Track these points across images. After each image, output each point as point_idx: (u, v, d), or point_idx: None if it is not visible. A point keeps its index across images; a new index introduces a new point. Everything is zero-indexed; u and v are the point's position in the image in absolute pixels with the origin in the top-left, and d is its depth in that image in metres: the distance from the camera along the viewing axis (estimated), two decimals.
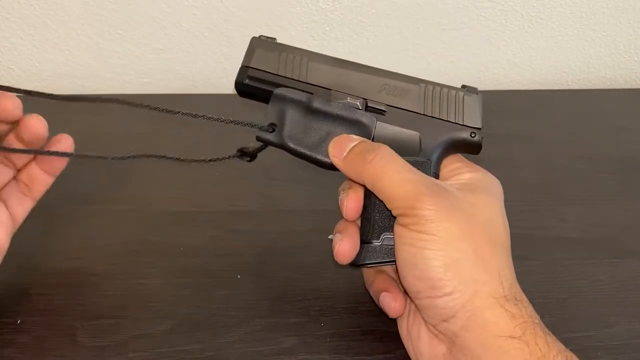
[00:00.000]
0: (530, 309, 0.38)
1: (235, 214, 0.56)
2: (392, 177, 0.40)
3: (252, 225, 0.55)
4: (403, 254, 0.39)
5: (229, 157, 0.46)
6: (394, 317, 0.44)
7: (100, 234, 0.53)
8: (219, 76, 0.76)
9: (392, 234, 0.42)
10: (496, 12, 0.76)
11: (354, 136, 0.44)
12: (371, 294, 0.46)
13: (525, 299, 0.39)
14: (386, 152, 0.41)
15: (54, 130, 0.48)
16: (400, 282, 0.42)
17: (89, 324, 0.45)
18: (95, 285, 0.48)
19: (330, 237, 0.45)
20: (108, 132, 0.64)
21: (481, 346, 0.37)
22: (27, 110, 0.47)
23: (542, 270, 0.52)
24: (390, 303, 0.43)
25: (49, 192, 0.46)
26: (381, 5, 0.74)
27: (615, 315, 0.48)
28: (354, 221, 0.44)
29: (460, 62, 0.79)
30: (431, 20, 0.76)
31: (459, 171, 0.44)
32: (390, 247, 0.42)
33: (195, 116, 0.44)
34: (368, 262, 0.43)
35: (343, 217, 0.44)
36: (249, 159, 0.46)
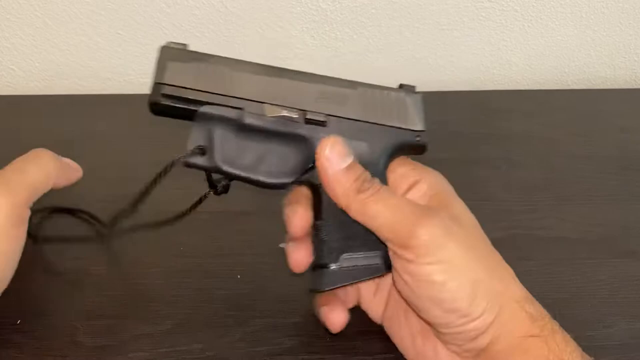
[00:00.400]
0: (540, 305, 0.38)
1: (235, 214, 0.55)
2: (387, 207, 0.38)
3: (252, 225, 0.55)
4: (427, 291, 0.37)
5: (201, 199, 0.43)
6: (336, 332, 0.43)
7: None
8: None
9: (351, 254, 0.40)
10: (496, 12, 0.76)
11: (347, 148, 0.39)
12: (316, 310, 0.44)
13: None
14: (380, 186, 0.39)
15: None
16: (419, 316, 0.40)
17: (89, 324, 0.45)
18: (95, 285, 0.48)
19: (281, 245, 0.43)
20: (105, 131, 0.64)
21: (507, 350, 0.37)
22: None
23: (542, 270, 0.52)
24: (336, 318, 0.42)
25: (48, 192, 0.45)
26: (381, 5, 0.74)
27: (615, 315, 0.48)
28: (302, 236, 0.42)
29: (460, 62, 0.79)
30: (431, 20, 0.75)
31: (409, 179, 0.42)
32: (350, 268, 0.40)
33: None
34: (332, 287, 0.41)
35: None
36: (223, 191, 0.42)
